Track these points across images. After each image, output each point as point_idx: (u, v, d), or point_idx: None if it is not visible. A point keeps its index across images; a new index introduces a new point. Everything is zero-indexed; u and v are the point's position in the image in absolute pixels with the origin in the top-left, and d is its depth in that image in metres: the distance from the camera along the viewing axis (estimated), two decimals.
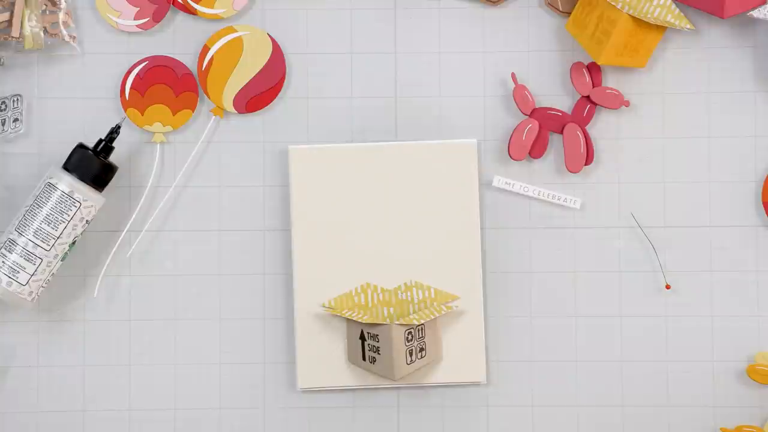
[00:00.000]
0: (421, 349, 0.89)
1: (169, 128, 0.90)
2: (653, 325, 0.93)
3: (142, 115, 0.88)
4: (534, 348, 0.93)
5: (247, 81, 0.91)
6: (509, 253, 0.93)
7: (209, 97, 0.91)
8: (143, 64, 0.92)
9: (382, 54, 0.94)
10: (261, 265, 0.93)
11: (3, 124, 0.92)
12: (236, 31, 0.91)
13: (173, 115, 0.89)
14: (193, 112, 0.91)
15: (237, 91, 0.91)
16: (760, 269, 0.93)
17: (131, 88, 0.91)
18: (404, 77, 0.94)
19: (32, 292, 0.88)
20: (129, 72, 0.92)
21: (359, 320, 0.88)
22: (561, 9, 0.93)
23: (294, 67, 0.93)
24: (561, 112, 0.93)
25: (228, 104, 0.91)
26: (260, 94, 0.91)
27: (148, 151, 0.93)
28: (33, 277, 0.88)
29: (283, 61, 0.91)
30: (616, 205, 0.93)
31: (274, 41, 0.91)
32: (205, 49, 0.91)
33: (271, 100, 0.91)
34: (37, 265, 0.87)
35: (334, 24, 0.94)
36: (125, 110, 0.89)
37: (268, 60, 0.91)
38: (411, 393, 0.93)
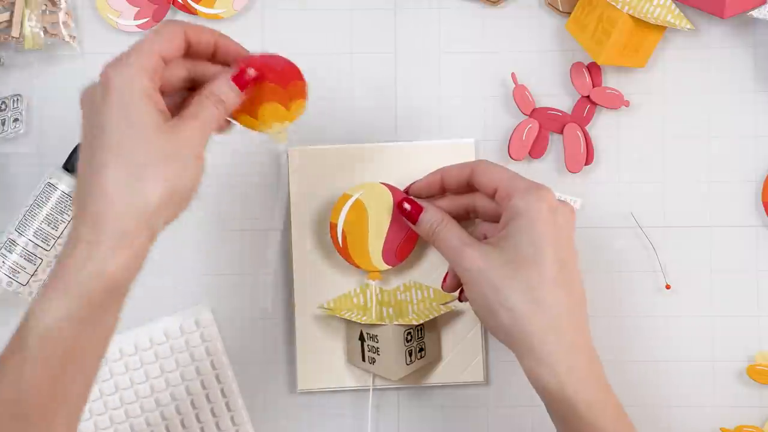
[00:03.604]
0: (421, 349, 0.89)
1: (286, 123, 0.82)
2: (653, 325, 0.93)
3: (257, 119, 0.80)
4: None
5: (385, 236, 0.89)
6: None
7: (361, 267, 0.89)
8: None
9: (382, 54, 0.94)
10: (261, 265, 0.93)
11: (3, 124, 0.93)
12: (351, 196, 0.89)
13: (287, 110, 0.81)
14: (305, 101, 0.82)
15: (381, 248, 0.89)
16: (760, 269, 0.93)
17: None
18: (404, 77, 0.94)
19: (32, 292, 0.88)
20: None
21: (358, 321, 0.88)
22: (561, 9, 0.93)
23: None
24: (561, 112, 0.93)
25: (379, 262, 0.89)
26: (402, 243, 0.89)
27: None
28: (33, 278, 0.88)
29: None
30: (616, 205, 0.93)
31: (388, 186, 0.90)
32: (333, 227, 0.89)
33: (414, 245, 0.89)
34: (37, 265, 0.87)
35: (334, 24, 0.94)
36: (236, 119, 0.80)
37: (393, 210, 0.89)
38: (411, 393, 0.93)
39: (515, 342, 0.77)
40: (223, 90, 0.76)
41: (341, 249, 0.89)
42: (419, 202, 0.85)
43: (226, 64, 0.77)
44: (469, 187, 0.84)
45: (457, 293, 0.88)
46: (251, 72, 0.77)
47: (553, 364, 0.75)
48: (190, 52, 0.77)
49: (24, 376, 0.68)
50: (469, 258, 0.78)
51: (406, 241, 0.89)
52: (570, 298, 0.77)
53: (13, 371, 0.68)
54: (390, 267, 0.89)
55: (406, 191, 0.88)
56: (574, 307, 0.77)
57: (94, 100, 0.72)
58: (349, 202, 0.89)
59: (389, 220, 0.89)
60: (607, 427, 0.75)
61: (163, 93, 0.74)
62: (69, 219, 0.87)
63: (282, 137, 0.81)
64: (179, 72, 0.76)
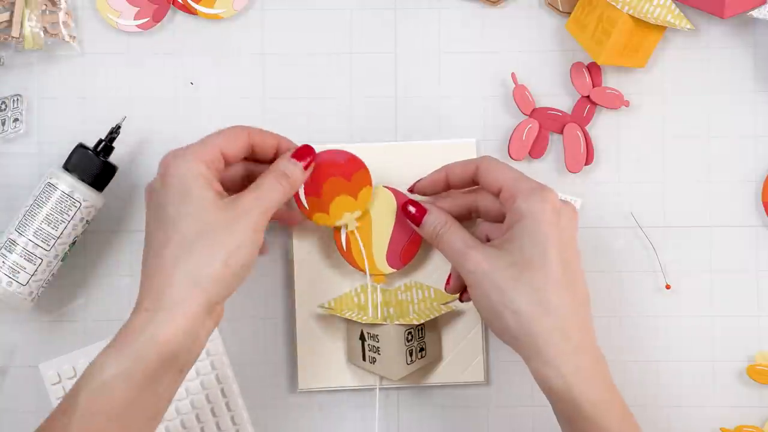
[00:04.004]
0: (421, 349, 0.89)
1: (357, 212, 0.87)
2: (653, 325, 0.93)
3: (329, 214, 0.86)
4: None
5: (389, 240, 0.89)
6: None
7: (365, 272, 0.89)
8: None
9: (382, 54, 0.94)
10: (261, 265, 0.93)
11: (3, 124, 0.92)
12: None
13: (355, 200, 0.87)
14: (371, 187, 0.87)
15: (385, 252, 0.89)
16: (760, 269, 0.93)
17: (306, 196, 0.86)
18: (404, 77, 0.94)
19: (32, 292, 0.88)
20: None
21: (359, 320, 0.88)
22: (561, 9, 0.93)
23: (294, 67, 0.93)
24: (561, 112, 0.93)
25: (383, 266, 0.89)
26: (406, 245, 0.89)
27: (147, 152, 0.93)
28: (33, 278, 0.87)
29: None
30: (616, 205, 0.93)
31: (391, 190, 0.90)
32: (337, 231, 0.89)
33: (418, 248, 0.89)
34: (37, 266, 0.87)
35: (334, 24, 0.94)
36: (311, 218, 0.86)
37: (397, 215, 0.89)
38: (411, 393, 0.93)
39: (521, 344, 0.77)
40: (286, 166, 0.80)
41: (345, 253, 0.89)
42: (423, 204, 0.85)
43: None
44: (473, 184, 0.84)
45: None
46: (311, 148, 0.83)
47: (559, 365, 0.75)
48: (253, 154, 0.81)
49: (70, 430, 0.70)
50: (474, 261, 0.79)
51: (410, 244, 0.89)
52: (574, 298, 0.77)
53: (58, 426, 0.71)
54: (394, 270, 0.89)
55: (411, 189, 0.88)
56: (578, 308, 0.77)
57: (155, 187, 0.77)
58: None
59: (393, 224, 0.89)
60: (612, 428, 0.75)
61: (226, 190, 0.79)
62: (69, 219, 0.87)
63: (354, 225, 0.87)
64: (242, 171, 0.82)
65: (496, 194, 0.81)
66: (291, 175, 0.80)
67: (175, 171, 0.76)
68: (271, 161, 0.82)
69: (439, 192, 0.87)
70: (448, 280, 0.86)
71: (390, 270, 0.89)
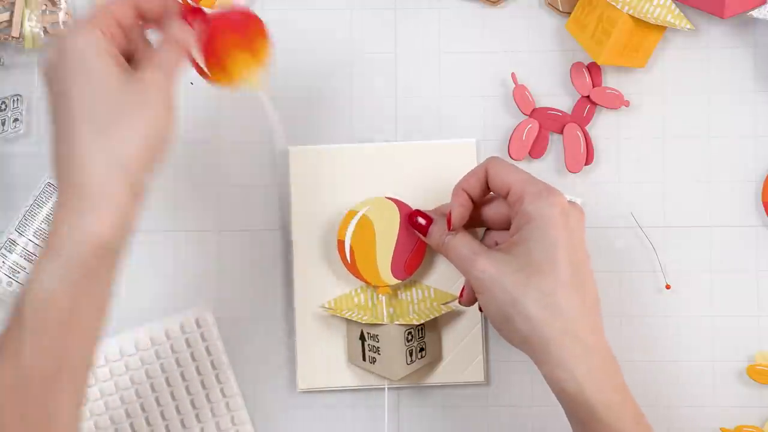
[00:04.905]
0: (421, 349, 0.89)
1: (256, 70, 0.81)
2: (653, 325, 0.93)
3: (227, 73, 0.79)
4: None
5: (393, 251, 0.88)
6: None
7: (370, 283, 0.89)
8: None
9: (382, 54, 0.94)
10: (261, 265, 0.93)
11: (3, 124, 0.92)
12: (357, 212, 0.89)
13: (253, 57, 0.80)
14: (266, 39, 0.81)
15: (389, 263, 0.89)
16: (760, 269, 0.93)
17: (203, 57, 0.82)
18: (404, 77, 0.94)
19: None
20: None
21: (359, 320, 0.88)
22: (561, 9, 0.93)
23: (294, 67, 0.93)
24: (561, 112, 0.93)
25: (388, 277, 0.89)
26: (410, 256, 0.89)
27: None
28: None
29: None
30: (616, 205, 0.93)
31: (394, 201, 0.89)
32: (341, 243, 0.89)
33: (422, 258, 0.89)
34: None
35: (334, 24, 0.94)
36: (208, 79, 0.80)
37: (400, 224, 0.88)
38: (411, 393, 0.93)
39: (532, 348, 0.77)
40: (175, 30, 0.74)
41: (350, 265, 0.89)
42: (429, 213, 0.85)
43: None
44: (489, 188, 0.83)
45: (457, 293, 0.88)
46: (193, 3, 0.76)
47: (571, 368, 0.75)
48: (145, 19, 0.75)
49: (22, 349, 0.67)
50: (481, 266, 0.78)
51: (415, 255, 0.89)
52: (584, 300, 0.77)
53: (10, 346, 0.67)
54: (399, 281, 0.89)
55: (450, 228, 0.83)
56: (588, 309, 0.77)
57: (52, 64, 0.70)
58: (356, 218, 0.89)
59: (397, 235, 0.89)
60: (626, 429, 0.75)
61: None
62: None
63: (258, 86, 0.80)
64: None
65: (505, 196, 0.81)
66: (181, 39, 0.74)
67: (73, 46, 0.69)
68: (157, 20, 0.76)
69: (470, 212, 0.84)
70: (461, 292, 0.86)
71: (395, 281, 0.89)
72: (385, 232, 0.89)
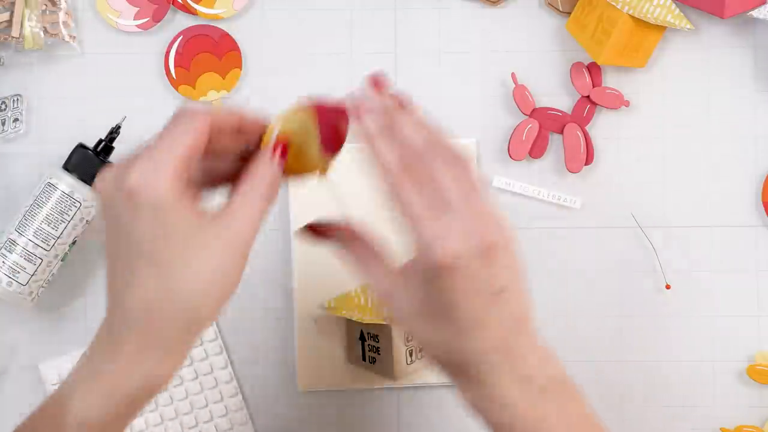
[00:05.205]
0: (421, 349, 0.89)
1: (223, 92, 0.92)
2: (653, 325, 0.93)
3: (195, 88, 0.89)
4: None
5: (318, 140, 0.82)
6: None
7: (308, 172, 0.82)
8: (179, 39, 0.92)
9: (382, 54, 0.94)
10: (261, 265, 0.93)
11: (3, 124, 0.93)
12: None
13: (223, 79, 0.91)
14: (240, 69, 0.92)
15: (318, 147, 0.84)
16: (760, 269, 0.93)
17: (176, 67, 0.92)
18: (404, 77, 0.94)
19: (32, 292, 0.88)
20: (168, 51, 0.92)
21: (359, 321, 0.88)
22: (561, 9, 0.93)
23: (294, 67, 0.93)
24: (561, 112, 0.93)
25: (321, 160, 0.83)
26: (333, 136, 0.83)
27: None
28: (33, 278, 0.88)
29: None
30: (616, 205, 0.93)
31: None
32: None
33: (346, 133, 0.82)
34: (37, 266, 0.87)
35: (334, 24, 0.94)
36: (176, 89, 0.90)
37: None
38: (411, 393, 0.93)
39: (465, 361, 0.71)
40: (265, 167, 0.68)
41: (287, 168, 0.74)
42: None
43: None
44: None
45: None
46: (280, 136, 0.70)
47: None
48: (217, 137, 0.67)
49: None
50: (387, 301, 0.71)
51: (339, 134, 0.75)
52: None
53: None
54: (332, 155, 0.76)
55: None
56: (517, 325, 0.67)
57: (116, 207, 0.64)
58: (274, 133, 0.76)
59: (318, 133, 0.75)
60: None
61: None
62: (69, 219, 0.87)
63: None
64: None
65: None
66: (274, 182, 0.68)
67: (146, 192, 0.62)
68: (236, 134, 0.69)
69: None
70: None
71: (329, 157, 0.76)
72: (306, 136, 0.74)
